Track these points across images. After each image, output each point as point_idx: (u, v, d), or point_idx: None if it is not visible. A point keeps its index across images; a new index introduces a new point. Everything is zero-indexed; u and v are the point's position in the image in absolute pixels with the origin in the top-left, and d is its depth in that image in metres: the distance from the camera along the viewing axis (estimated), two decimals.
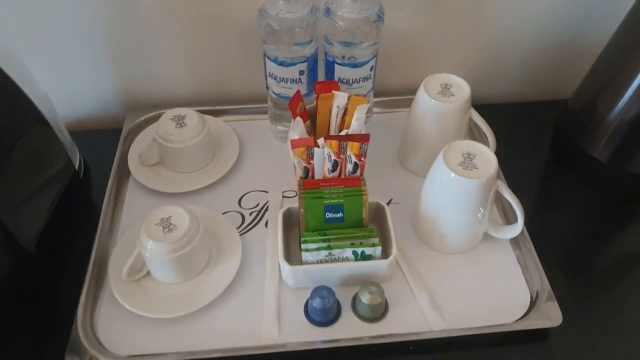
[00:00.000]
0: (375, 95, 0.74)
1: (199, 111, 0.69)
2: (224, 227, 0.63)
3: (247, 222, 0.65)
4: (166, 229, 0.55)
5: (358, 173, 0.59)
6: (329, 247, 0.55)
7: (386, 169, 0.71)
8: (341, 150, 0.57)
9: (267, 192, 0.68)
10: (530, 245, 0.62)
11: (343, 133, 0.60)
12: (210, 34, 0.73)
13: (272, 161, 0.71)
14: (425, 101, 0.63)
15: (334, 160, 0.58)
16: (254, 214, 0.66)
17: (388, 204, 0.67)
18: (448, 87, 0.64)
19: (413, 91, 0.79)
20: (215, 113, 0.76)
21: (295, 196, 0.68)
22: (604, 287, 0.62)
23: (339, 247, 0.55)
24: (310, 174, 0.59)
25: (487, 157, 0.56)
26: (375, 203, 0.61)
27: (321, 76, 0.69)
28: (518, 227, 0.59)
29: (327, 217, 0.57)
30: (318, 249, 0.55)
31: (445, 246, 0.61)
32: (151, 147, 0.68)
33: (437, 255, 0.62)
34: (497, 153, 0.61)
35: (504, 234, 0.61)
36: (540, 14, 0.75)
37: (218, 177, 0.68)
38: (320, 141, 0.59)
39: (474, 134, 0.74)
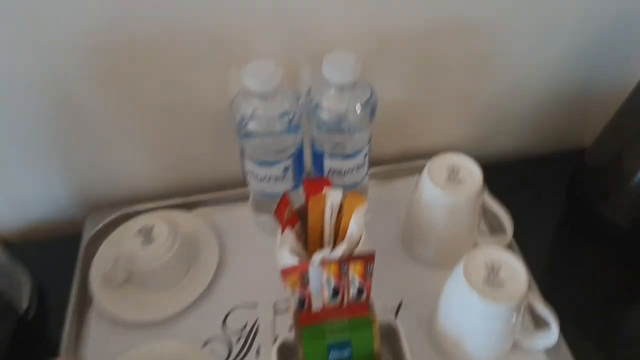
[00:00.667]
0: (369, 166, 0.64)
1: (169, 206, 0.59)
2: None
3: (234, 352, 0.55)
4: None
5: (364, 297, 0.49)
6: None
7: (390, 257, 0.62)
8: (342, 274, 0.48)
9: (255, 306, 0.58)
10: (566, 352, 0.53)
11: (339, 253, 0.50)
12: (170, 125, 0.63)
13: (258, 262, 0.61)
14: (431, 191, 0.54)
15: (334, 285, 0.48)
16: (242, 340, 0.56)
17: (398, 309, 0.58)
18: (455, 171, 0.55)
19: (409, 157, 0.71)
20: (187, 206, 0.66)
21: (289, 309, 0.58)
22: None
23: None
24: (307, 303, 0.49)
25: (514, 268, 0.47)
26: (385, 323, 0.51)
27: (307, 164, 0.60)
28: (552, 334, 0.50)
29: (331, 357, 0.47)
30: None
31: None
32: (116, 267, 0.58)
33: None
34: None
35: (536, 344, 0.52)
36: (547, 62, 0.66)
37: (196, 294, 0.58)
38: (316, 257, 0.49)
39: (485, 212, 0.65)
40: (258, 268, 0.61)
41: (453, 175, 0.55)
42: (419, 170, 0.70)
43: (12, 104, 0.57)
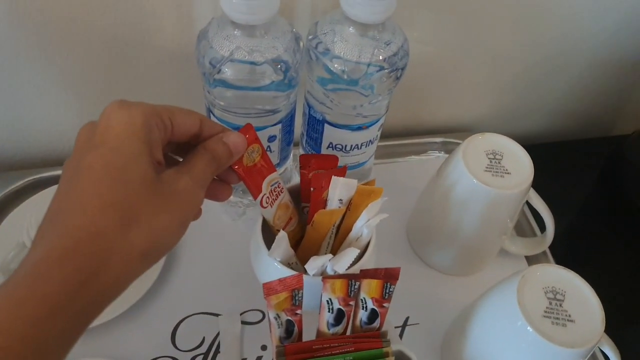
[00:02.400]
0: None
1: None
2: None
3: None
4: None
5: (377, 325, 0.36)
6: None
7: (393, 257, 0.49)
8: (351, 295, 0.34)
9: (217, 315, 0.44)
10: None
11: (347, 256, 0.36)
12: (111, 58, 0.45)
13: (222, 256, 0.47)
14: (467, 181, 0.41)
15: (338, 309, 0.34)
16: None
17: (403, 326, 0.45)
18: (498, 157, 0.42)
19: (419, 132, 0.57)
20: None
21: (262, 320, 0.44)
22: None
23: None
24: (296, 330, 0.35)
25: (585, 297, 0.35)
26: (398, 352, 0.38)
27: (298, 131, 0.44)
28: None
29: None
30: None
31: None
32: (22, 254, 0.41)
33: None
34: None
35: None
36: (601, 31, 0.53)
37: (136, 297, 0.43)
38: (312, 266, 0.35)
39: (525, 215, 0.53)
40: (221, 264, 0.47)
41: (495, 163, 0.41)
42: (432, 147, 0.57)
43: None
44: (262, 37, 0.34)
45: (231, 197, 0.46)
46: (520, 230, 0.53)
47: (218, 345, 0.42)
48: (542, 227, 0.46)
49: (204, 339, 0.43)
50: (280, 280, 0.33)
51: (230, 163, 0.31)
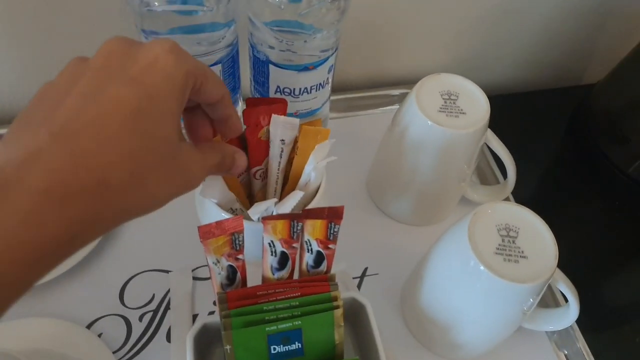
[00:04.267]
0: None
1: None
2: (95, 354, 0.37)
3: (136, 333, 0.39)
4: None
5: (323, 268, 0.34)
6: None
7: (353, 209, 0.46)
8: (294, 236, 0.32)
9: (167, 271, 0.42)
10: (579, 338, 0.42)
11: (293, 199, 0.34)
12: (46, 12, 0.42)
13: (172, 213, 0.44)
14: (420, 123, 0.39)
15: (282, 252, 0.33)
16: (148, 317, 0.40)
17: (362, 276, 0.44)
18: (453, 97, 0.40)
19: (380, 84, 0.55)
20: None
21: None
22: None
23: None
24: (239, 276, 0.33)
25: (538, 234, 0.34)
26: (349, 299, 0.37)
27: (245, 80, 0.42)
28: (571, 313, 0.38)
29: (273, 351, 0.32)
30: None
31: (460, 355, 0.40)
32: None
33: None
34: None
35: (545, 324, 0.40)
36: None
37: (82, 254, 0.41)
38: (255, 211, 0.34)
39: (487, 160, 0.52)
40: (171, 221, 0.44)
41: (450, 103, 0.40)
42: (392, 100, 0.55)
43: None
44: None
45: None
46: (483, 178, 0.52)
47: (168, 302, 0.41)
48: (505, 175, 0.45)
49: (153, 295, 0.41)
50: (217, 222, 0.31)
51: (221, 175, 0.33)
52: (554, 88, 0.61)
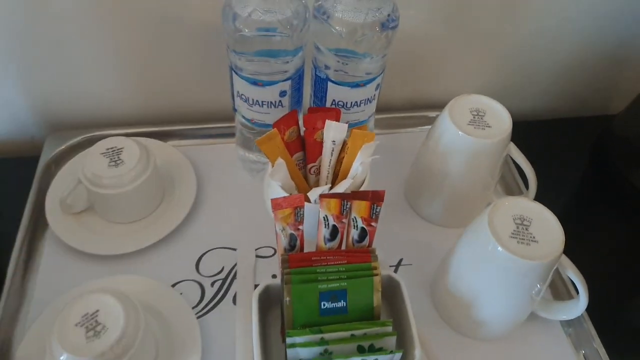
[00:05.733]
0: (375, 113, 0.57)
1: (141, 134, 0.52)
2: (176, 308, 0.46)
3: (208, 296, 0.48)
4: (91, 332, 0.38)
5: (366, 242, 0.42)
6: (327, 354, 0.39)
7: (392, 212, 0.54)
8: (343, 213, 0.40)
9: (235, 249, 0.51)
10: (589, 325, 0.47)
11: (344, 186, 0.42)
12: (155, 34, 0.54)
13: (241, 203, 0.54)
14: (452, 133, 0.47)
15: (333, 225, 0.41)
16: (218, 284, 0.48)
17: (397, 265, 0.51)
18: (481, 114, 0.48)
19: (421, 106, 0.63)
20: (162, 136, 0.58)
21: (273, 255, 0.51)
22: None
23: (342, 355, 0.39)
24: (298, 243, 0.42)
25: (549, 226, 0.40)
26: (387, 276, 0.44)
27: (307, 97, 0.52)
28: (580, 306, 0.44)
29: (323, 307, 0.40)
30: (310, 345, 0.39)
31: (480, 333, 0.46)
32: (77, 190, 0.50)
33: (468, 343, 0.46)
34: None
35: (557, 314, 0.46)
36: (583, 14, 0.59)
37: (167, 230, 0.50)
38: (314, 194, 0.42)
39: (512, 172, 0.59)
40: (240, 209, 0.54)
41: (478, 118, 0.48)
42: (429, 121, 0.63)
43: None
44: (274, 1, 0.42)
45: (251, 155, 0.55)
46: (508, 190, 0.58)
47: (235, 274, 0.49)
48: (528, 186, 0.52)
49: (223, 267, 0.50)
50: (285, 197, 0.39)
51: None
52: (579, 117, 0.68)
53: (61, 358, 0.37)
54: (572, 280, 0.43)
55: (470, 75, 0.63)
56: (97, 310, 0.39)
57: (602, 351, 0.46)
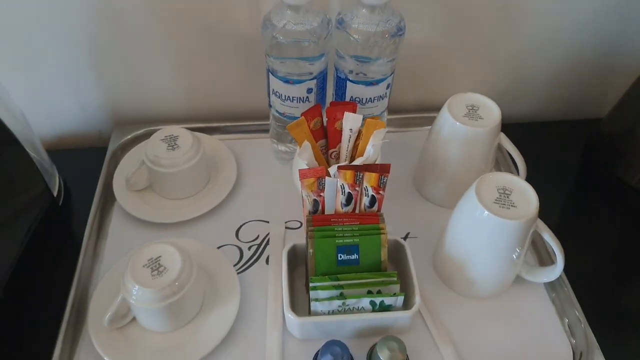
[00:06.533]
0: (388, 113, 0.66)
1: (192, 128, 0.62)
2: (220, 265, 0.55)
3: (245, 257, 0.57)
4: (155, 272, 0.48)
5: (375, 208, 0.51)
6: (342, 296, 0.48)
7: (401, 196, 0.64)
8: (357, 182, 0.50)
9: (268, 222, 0.61)
10: (568, 289, 0.55)
11: (358, 161, 0.52)
12: (205, 43, 0.65)
13: (274, 186, 0.64)
14: (450, 124, 0.56)
15: (348, 192, 0.50)
16: (254, 248, 0.58)
17: (405, 238, 0.60)
18: (475, 108, 0.57)
19: (429, 108, 0.72)
20: (209, 130, 0.69)
21: (299, 227, 0.60)
22: None
23: (354, 296, 0.48)
24: (320, 208, 0.51)
25: (526, 194, 0.49)
26: (393, 240, 0.53)
27: (330, 94, 0.62)
28: (557, 270, 0.52)
29: (339, 259, 0.49)
30: (330, 299, 0.48)
31: (473, 291, 0.54)
32: (139, 171, 0.61)
33: (463, 301, 0.54)
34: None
35: (539, 277, 0.54)
36: (572, 26, 0.68)
37: (213, 205, 0.61)
38: (333, 170, 0.52)
39: (497, 159, 0.67)
40: (272, 191, 0.64)
41: (472, 112, 0.57)
42: None
43: (55, 13, 0.60)
44: (304, 15, 0.52)
45: (283, 147, 0.65)
46: None
47: (268, 241, 0.59)
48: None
49: (258, 235, 0.59)
50: (310, 169, 0.49)
51: None
52: (572, 119, 0.76)
53: (134, 289, 0.47)
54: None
55: (472, 80, 0.72)
56: (160, 256, 0.49)
57: (582, 316, 0.53)
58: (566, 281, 0.55)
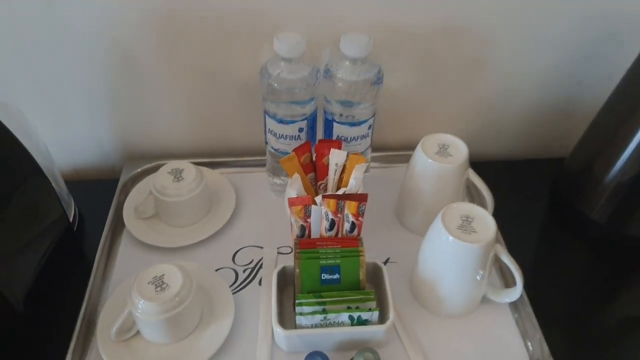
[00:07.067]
0: (373, 150, 0.74)
1: (196, 163, 0.69)
2: (217, 285, 0.62)
3: (240, 279, 0.64)
4: (158, 288, 0.54)
5: (355, 233, 0.58)
6: (324, 312, 0.54)
7: (384, 225, 0.71)
8: (339, 210, 0.57)
9: (262, 247, 0.67)
10: (529, 309, 0.61)
11: (341, 191, 0.59)
12: (209, 88, 0.74)
13: (268, 215, 0.71)
14: (423, 161, 0.63)
15: (331, 219, 0.57)
16: (248, 271, 0.65)
17: (385, 263, 0.66)
18: (445, 147, 0.65)
19: (411, 147, 0.79)
20: (212, 165, 0.76)
21: (290, 252, 0.67)
22: (605, 354, 0.60)
23: (335, 311, 0.54)
24: (307, 232, 0.58)
25: (485, 220, 0.56)
26: (372, 263, 0.60)
27: (320, 133, 0.70)
28: (517, 290, 0.58)
29: (323, 278, 0.56)
30: (313, 313, 0.54)
31: (443, 310, 0.60)
32: (147, 200, 0.68)
33: (435, 319, 0.60)
34: (495, 211, 0.61)
35: (502, 298, 0.60)
36: (535, 75, 0.77)
37: (213, 231, 0.67)
38: (318, 199, 0.59)
39: (471, 192, 0.74)
40: (267, 220, 0.70)
41: (443, 150, 0.64)
42: None
43: (80, 59, 0.69)
44: (296, 65, 0.61)
45: (277, 180, 0.72)
46: None
47: (261, 265, 0.65)
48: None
49: (252, 260, 0.66)
50: (297, 197, 0.56)
51: None
52: (542, 158, 0.83)
53: (140, 303, 0.53)
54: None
55: (447, 123, 0.80)
56: (163, 275, 0.55)
57: (540, 334, 0.58)
58: (527, 302, 0.61)
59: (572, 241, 0.73)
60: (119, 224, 0.69)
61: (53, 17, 0.65)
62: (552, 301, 0.64)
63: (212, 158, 0.77)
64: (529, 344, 0.59)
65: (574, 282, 0.69)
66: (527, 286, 0.59)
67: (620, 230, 0.71)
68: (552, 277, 0.68)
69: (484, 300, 0.61)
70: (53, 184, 0.65)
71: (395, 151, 0.79)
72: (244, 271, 0.65)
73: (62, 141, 0.77)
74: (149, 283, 0.55)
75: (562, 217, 0.76)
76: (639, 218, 0.70)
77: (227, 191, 0.73)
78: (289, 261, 0.65)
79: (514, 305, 0.62)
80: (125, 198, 0.72)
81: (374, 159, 0.77)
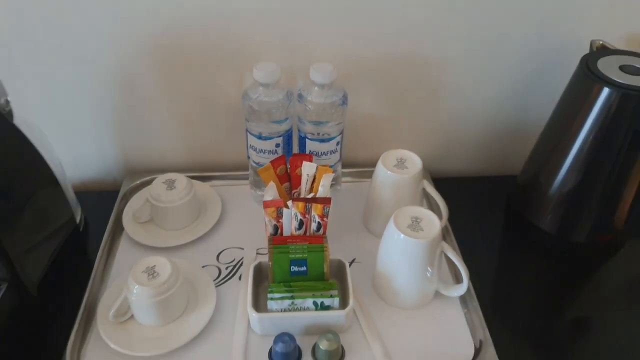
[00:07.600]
0: (344, 167, 0.84)
1: (188, 176, 0.79)
2: (202, 279, 0.70)
3: (223, 275, 0.73)
4: (150, 276, 0.63)
5: (321, 231, 0.67)
6: (292, 297, 0.63)
7: (352, 231, 0.80)
8: (306, 211, 0.66)
9: (242, 249, 0.76)
10: (476, 303, 0.69)
11: (309, 196, 0.69)
12: (200, 112, 0.84)
13: (250, 222, 0.80)
14: (383, 173, 0.73)
15: (300, 219, 0.66)
16: (230, 268, 0.73)
17: (351, 263, 0.75)
18: (403, 161, 0.74)
19: (375, 162, 0.90)
20: (202, 178, 0.86)
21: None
22: (546, 346, 0.68)
23: (301, 297, 0.63)
24: (279, 231, 0.67)
25: (432, 220, 0.65)
26: (337, 260, 0.69)
27: (295, 148, 0.80)
28: (464, 285, 0.67)
29: (292, 270, 0.65)
30: (282, 298, 0.62)
31: (400, 301, 0.69)
32: (144, 207, 0.77)
33: (393, 310, 0.69)
34: (453, 223, 0.69)
35: (452, 292, 0.69)
36: (490, 99, 0.87)
37: (200, 234, 0.77)
38: (290, 203, 0.68)
39: (431, 203, 0.83)
40: (249, 226, 0.79)
41: (400, 163, 0.74)
42: None
43: (85, 82, 0.80)
44: (272, 89, 0.71)
45: (259, 192, 0.81)
46: None
47: (242, 263, 0.74)
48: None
49: (234, 259, 0.75)
50: (271, 200, 0.66)
51: None
52: (497, 175, 0.93)
53: (135, 288, 0.62)
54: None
55: (409, 142, 0.89)
56: (155, 265, 0.64)
57: (484, 324, 0.66)
58: (475, 297, 0.69)
59: (525, 250, 0.82)
60: (118, 228, 0.79)
61: (68, 55, 0.77)
62: (500, 299, 0.73)
63: (203, 172, 0.87)
64: (475, 333, 0.67)
65: (525, 285, 0.77)
66: (480, 287, 0.69)
67: (565, 237, 0.80)
68: (507, 283, 0.76)
69: (437, 295, 0.70)
70: (65, 193, 0.75)
71: (364, 167, 0.89)
72: (227, 268, 0.74)
73: (72, 158, 0.87)
74: (142, 272, 0.64)
75: (515, 228, 0.85)
76: (581, 225, 0.80)
77: (214, 200, 0.82)
78: (266, 259, 0.74)
79: (463, 300, 0.70)
80: (124, 206, 0.81)
81: (345, 174, 0.87)
